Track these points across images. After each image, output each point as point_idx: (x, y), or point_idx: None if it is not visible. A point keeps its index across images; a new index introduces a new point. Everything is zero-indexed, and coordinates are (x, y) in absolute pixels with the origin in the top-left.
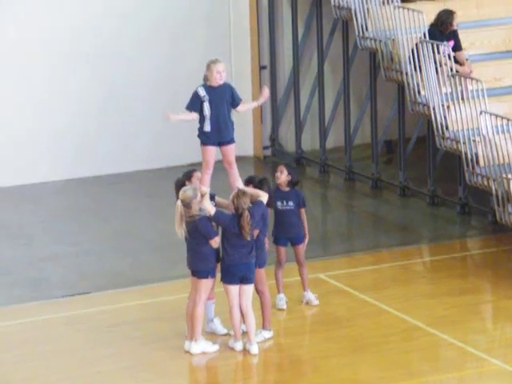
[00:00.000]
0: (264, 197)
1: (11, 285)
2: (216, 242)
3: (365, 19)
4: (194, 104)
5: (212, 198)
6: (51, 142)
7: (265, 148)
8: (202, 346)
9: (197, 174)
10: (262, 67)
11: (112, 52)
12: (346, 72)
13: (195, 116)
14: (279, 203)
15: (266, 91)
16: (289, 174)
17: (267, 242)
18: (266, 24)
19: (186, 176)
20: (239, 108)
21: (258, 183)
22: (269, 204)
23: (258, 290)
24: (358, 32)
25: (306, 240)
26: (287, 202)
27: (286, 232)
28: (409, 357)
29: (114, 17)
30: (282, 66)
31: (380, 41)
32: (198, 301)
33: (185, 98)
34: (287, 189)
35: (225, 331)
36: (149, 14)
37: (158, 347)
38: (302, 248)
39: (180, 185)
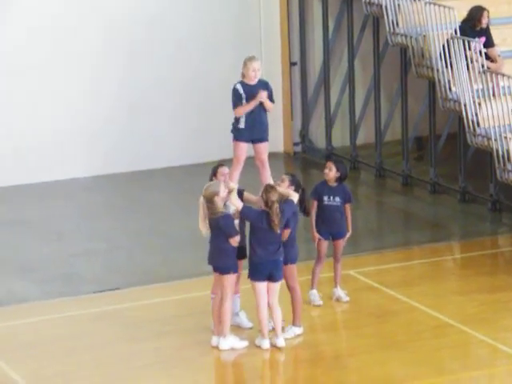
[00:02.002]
0: (294, 196)
1: (42, 281)
2: (236, 241)
3: (396, 15)
4: (239, 100)
5: (241, 193)
6: (84, 139)
7: (295, 144)
8: (230, 342)
9: (221, 170)
10: (293, 63)
11: (143, 52)
12: (377, 68)
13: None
14: (326, 198)
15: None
16: (337, 170)
17: (317, 237)
18: (296, 20)
19: (212, 172)
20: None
21: (291, 182)
22: (301, 204)
23: (289, 286)
24: (389, 28)
25: (348, 234)
26: (334, 198)
27: (330, 227)
28: (439, 354)
29: (146, 17)
30: (313, 62)
31: (411, 37)
32: (224, 297)
33: (216, 96)
34: (335, 184)
35: (250, 325)
36: (180, 15)
37: (188, 343)
38: (342, 243)
39: (210, 181)
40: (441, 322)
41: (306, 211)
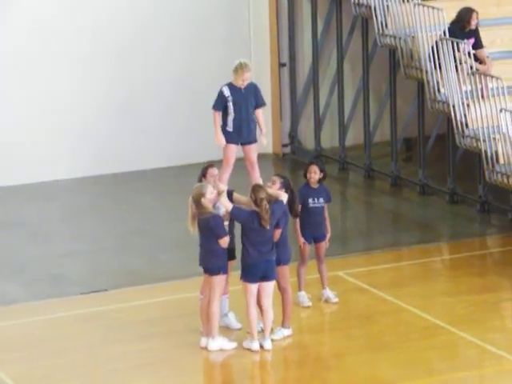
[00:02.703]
0: (284, 197)
1: (29, 282)
2: (225, 242)
3: (384, 16)
4: (221, 104)
5: (230, 194)
6: (70, 139)
7: (284, 145)
8: (219, 343)
9: (211, 171)
10: (282, 64)
11: (133, 52)
12: (366, 69)
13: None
14: (311, 200)
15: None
16: (321, 171)
17: (302, 241)
18: (285, 21)
19: (201, 172)
20: (257, 112)
21: (282, 184)
22: (291, 205)
23: (280, 288)
24: (378, 29)
25: (329, 235)
26: (318, 199)
27: (314, 230)
28: (428, 355)
29: (136, 17)
30: (302, 63)
31: (400, 38)
32: (212, 298)
33: (205, 96)
34: (317, 185)
35: (239, 326)
36: (170, 14)
37: (175, 344)
38: (325, 245)
39: (200, 182)
40: (430, 323)
41: (294, 213)
